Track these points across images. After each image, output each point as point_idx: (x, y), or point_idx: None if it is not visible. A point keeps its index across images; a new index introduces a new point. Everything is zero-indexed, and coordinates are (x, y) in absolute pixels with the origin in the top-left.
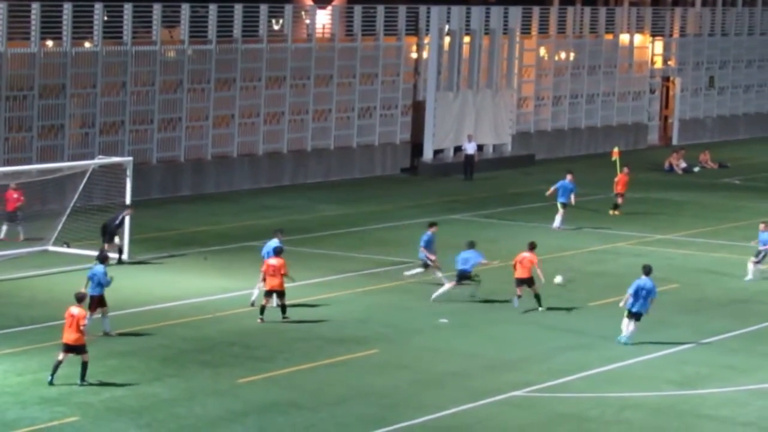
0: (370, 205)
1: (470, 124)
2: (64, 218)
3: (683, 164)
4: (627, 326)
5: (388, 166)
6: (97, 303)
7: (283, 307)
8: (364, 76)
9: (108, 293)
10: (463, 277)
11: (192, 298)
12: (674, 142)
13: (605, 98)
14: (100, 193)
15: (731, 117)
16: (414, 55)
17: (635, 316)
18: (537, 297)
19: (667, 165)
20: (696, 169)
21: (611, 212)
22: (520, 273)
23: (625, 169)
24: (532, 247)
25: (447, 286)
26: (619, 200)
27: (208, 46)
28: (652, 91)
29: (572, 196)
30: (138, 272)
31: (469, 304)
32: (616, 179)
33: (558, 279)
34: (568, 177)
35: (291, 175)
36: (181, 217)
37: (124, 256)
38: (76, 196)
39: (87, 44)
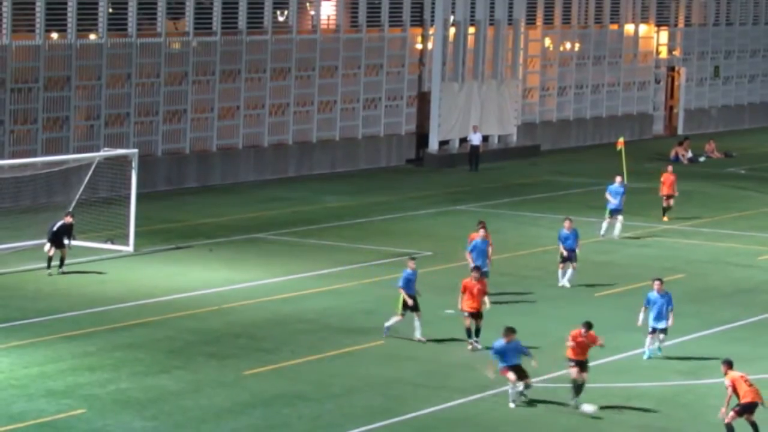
0: (375, 196)
1: (475, 115)
2: (71, 208)
3: (689, 154)
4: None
5: (393, 157)
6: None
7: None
8: (369, 67)
9: (113, 285)
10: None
11: (198, 290)
12: (679, 131)
13: (610, 88)
14: (106, 186)
15: (736, 107)
16: (419, 46)
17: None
18: None
19: (673, 155)
20: (701, 159)
21: (664, 218)
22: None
23: (669, 168)
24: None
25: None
26: (667, 203)
27: (213, 38)
28: (657, 81)
29: (621, 199)
30: (144, 264)
31: None
32: (661, 179)
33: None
34: (617, 180)
35: (296, 167)
36: (187, 209)
37: (65, 267)
38: (81, 189)
39: (92, 36)
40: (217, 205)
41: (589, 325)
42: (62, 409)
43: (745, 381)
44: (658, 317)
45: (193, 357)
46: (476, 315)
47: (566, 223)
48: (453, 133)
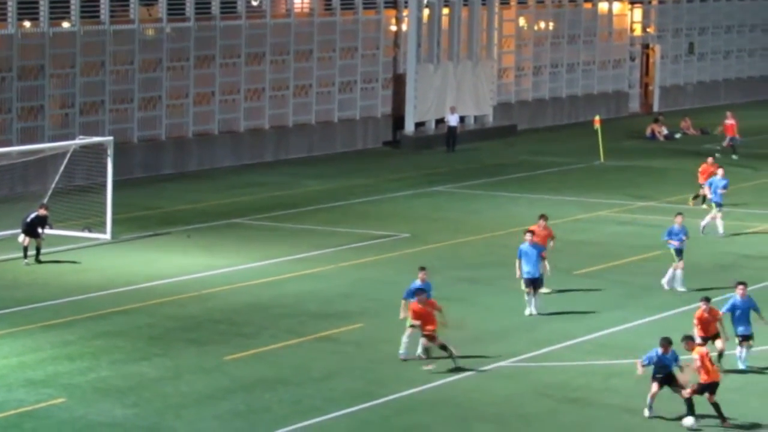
0: (352, 179)
1: (451, 96)
2: (45, 200)
3: (665, 131)
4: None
5: (369, 139)
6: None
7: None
8: (343, 51)
9: (92, 273)
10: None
11: (176, 276)
12: (655, 109)
13: (586, 67)
14: (82, 174)
15: (712, 83)
16: (393, 28)
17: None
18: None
19: (649, 132)
20: (677, 136)
21: (705, 207)
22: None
23: (710, 159)
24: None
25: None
26: (704, 191)
27: (187, 24)
28: (632, 59)
29: (721, 193)
30: (122, 252)
31: (451, 277)
32: (699, 170)
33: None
34: (720, 172)
35: (273, 151)
36: (164, 196)
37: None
38: (57, 177)
39: (65, 24)
40: (194, 191)
41: (707, 300)
42: (42, 399)
43: (710, 360)
44: (747, 324)
45: (173, 343)
46: (431, 337)
47: (678, 218)
48: (429, 115)
